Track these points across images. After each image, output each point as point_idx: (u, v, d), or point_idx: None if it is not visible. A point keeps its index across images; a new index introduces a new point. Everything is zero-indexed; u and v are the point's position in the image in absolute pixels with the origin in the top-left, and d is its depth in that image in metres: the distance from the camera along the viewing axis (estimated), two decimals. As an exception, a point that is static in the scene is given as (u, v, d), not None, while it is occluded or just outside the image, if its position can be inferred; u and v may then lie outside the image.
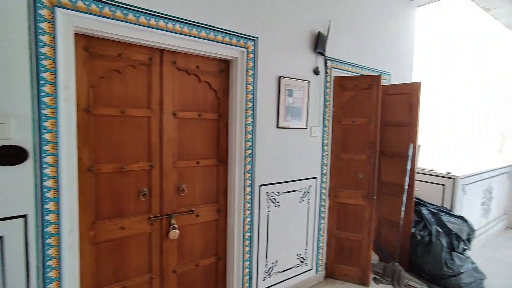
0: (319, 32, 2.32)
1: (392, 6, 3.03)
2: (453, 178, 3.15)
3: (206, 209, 2.03)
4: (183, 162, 1.89)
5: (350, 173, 2.66)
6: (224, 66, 2.01)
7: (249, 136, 2.03)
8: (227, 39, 1.87)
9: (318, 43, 2.30)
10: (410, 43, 3.31)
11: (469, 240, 2.81)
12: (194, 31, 1.73)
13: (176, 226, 1.84)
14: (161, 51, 1.73)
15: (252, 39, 1.98)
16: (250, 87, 2.00)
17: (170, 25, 1.63)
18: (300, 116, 2.32)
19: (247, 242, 2.12)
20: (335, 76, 2.58)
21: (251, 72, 1.99)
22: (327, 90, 2.54)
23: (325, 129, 2.57)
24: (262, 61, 2.05)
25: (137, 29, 1.54)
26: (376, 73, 2.91)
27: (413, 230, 2.88)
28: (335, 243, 2.72)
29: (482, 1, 3.27)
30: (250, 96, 2.00)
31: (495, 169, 3.92)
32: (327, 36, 2.37)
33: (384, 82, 3.01)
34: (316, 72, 2.38)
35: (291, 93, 2.22)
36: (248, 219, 2.11)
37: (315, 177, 2.55)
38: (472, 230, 2.86)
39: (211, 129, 2.01)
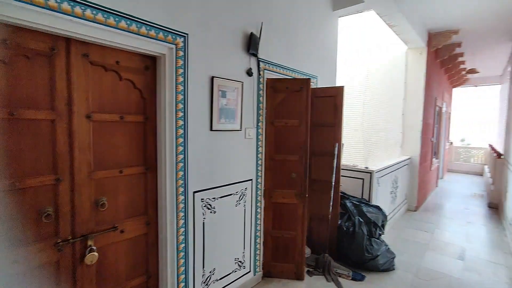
0: (251, 33, 2.30)
1: (317, 14, 3.23)
2: (370, 173, 3.56)
3: (133, 223, 1.79)
4: (102, 172, 1.62)
5: (284, 173, 2.73)
6: (150, 63, 1.80)
7: (181, 140, 1.88)
8: (152, 33, 1.67)
9: (251, 44, 2.28)
10: (334, 50, 3.61)
11: (383, 226, 3.21)
12: (112, 20, 1.49)
13: (94, 247, 1.56)
14: (67, 40, 1.44)
15: (181, 35, 1.83)
16: (181, 87, 1.84)
17: (78, 9, 1.36)
18: (234, 118, 2.26)
19: (182, 254, 1.97)
20: (268, 78, 2.61)
21: (181, 71, 1.84)
22: (260, 92, 2.55)
23: (259, 130, 2.58)
24: (193, 59, 1.92)
25: (29, 10, 1.23)
26: (305, 76, 3.07)
27: (339, 222, 3.14)
28: (271, 243, 2.77)
29: (387, 18, 3.77)
30: (181, 97, 1.85)
31: (399, 162, 4.61)
32: (259, 38, 2.37)
33: (312, 85, 3.19)
34: (249, 73, 2.36)
35: (224, 94, 2.14)
36: (182, 229, 1.96)
37: (251, 179, 2.53)
38: (385, 217, 3.27)
39: (136, 133, 1.78)
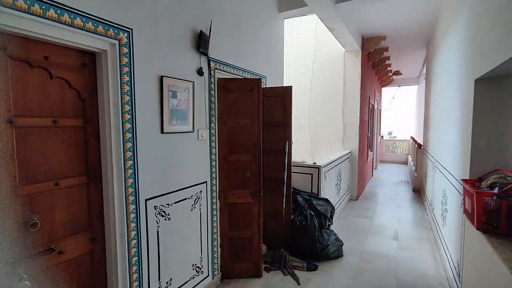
0: (201, 31, 2.23)
1: (264, 15, 3.29)
2: (317, 168, 3.78)
3: (75, 242, 1.59)
4: (32, 187, 1.39)
5: (238, 173, 2.72)
6: (89, 60, 1.61)
7: (129, 144, 1.72)
8: (90, 25, 1.49)
9: (201, 42, 2.21)
10: (280, 50, 3.72)
11: (331, 217, 3.44)
12: (37, 8, 1.28)
13: (25, 276, 1.34)
14: (-22, 30, 1.19)
15: (125, 30, 1.67)
16: (127, 87, 1.68)
17: (-6, -5, 1.14)
18: (186, 119, 2.17)
19: (135, 268, 1.81)
20: (219, 78, 2.57)
21: (126, 69, 1.68)
22: (212, 92, 2.49)
23: (212, 131, 2.52)
24: (140, 57, 1.77)
25: None
26: (255, 76, 3.10)
27: (292, 217, 3.27)
28: (228, 244, 2.74)
29: (327, 22, 4.03)
30: (128, 97, 1.69)
31: (342, 156, 5.00)
32: (209, 36, 2.31)
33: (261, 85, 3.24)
34: (200, 72, 2.28)
35: (175, 95, 2.03)
36: (135, 241, 1.80)
37: (205, 181, 2.46)
38: (333, 208, 3.52)
39: (75, 139, 1.57)
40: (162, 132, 1.95)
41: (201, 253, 2.44)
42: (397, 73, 7.55)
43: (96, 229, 1.70)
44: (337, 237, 3.34)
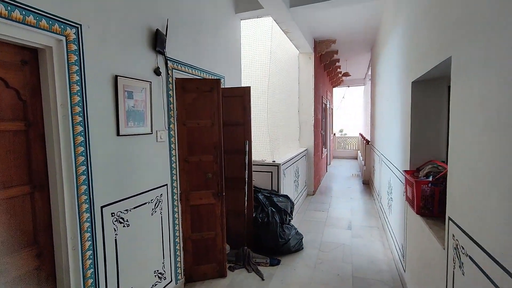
0: (157, 30, 2.15)
1: (222, 15, 3.29)
2: (277, 166, 3.90)
3: (17, 260, 1.43)
4: (-37, 200, 1.22)
5: (200, 175, 2.69)
6: (29, 56, 1.46)
7: (81, 149, 1.60)
8: (31, 19, 1.35)
9: (157, 41, 2.14)
10: (238, 50, 3.75)
11: (291, 212, 3.59)
12: (-33, -2, 1.13)
13: (-40, 301, 1.17)
14: None
15: (73, 26, 1.55)
16: (77, 87, 1.56)
17: None
18: (143, 120, 2.08)
19: (90, 281, 1.69)
20: (177, 78, 2.51)
21: (76, 67, 1.55)
22: (170, 92, 2.43)
23: (171, 132, 2.46)
24: (91, 55, 1.65)
25: None
26: (213, 76, 3.08)
27: (254, 215, 3.33)
28: (191, 246, 2.70)
29: (282, 25, 4.18)
30: (78, 98, 1.57)
31: (299, 154, 5.22)
32: (166, 35, 2.24)
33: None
34: (157, 72, 2.21)
35: (131, 95, 1.94)
36: (90, 252, 1.68)
37: (166, 184, 2.39)
38: (292, 204, 3.67)
39: (15, 144, 1.41)
40: (118, 134, 1.85)
41: (163, 258, 2.36)
42: (346, 74, 8.12)
43: (43, 243, 1.55)
44: (297, 231, 3.49)
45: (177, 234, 2.54)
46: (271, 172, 3.92)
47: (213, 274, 2.77)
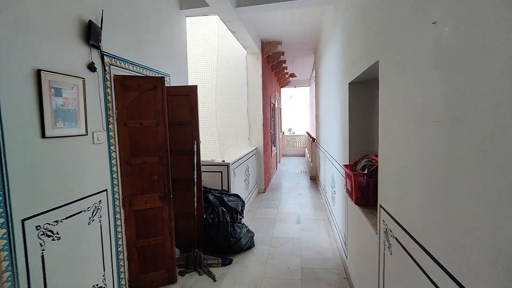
0: (90, 21, 1.96)
1: (165, 11, 3.15)
2: (226, 165, 3.89)
3: None
4: None
5: (145, 177, 2.55)
6: None
7: (-6, 154, 1.37)
8: None
9: (91, 34, 1.95)
10: (183, 47, 3.63)
11: (242, 210, 3.62)
12: None
13: None
14: None
15: (-21, 10, 1.32)
16: (-13, 82, 1.34)
17: None
18: (76, 121, 1.88)
19: (12, 306, 1.47)
20: (115, 75, 2.32)
21: (-16, 59, 1.33)
22: (108, 90, 2.24)
23: (111, 133, 2.27)
24: (5, 46, 1.43)
25: None
26: (157, 74, 2.94)
27: (205, 216, 3.28)
28: (137, 254, 2.53)
29: (229, 25, 4.18)
30: (-12, 95, 1.34)
31: (249, 153, 5.29)
32: (101, 28, 2.06)
33: (165, 83, 3.10)
34: (91, 68, 2.01)
35: (59, 93, 1.73)
36: (8, 274, 1.46)
37: (105, 190, 2.20)
38: (243, 203, 3.70)
39: None
40: (43, 136, 1.63)
41: (104, 271, 2.17)
42: (292, 75, 8.48)
43: None
44: (248, 229, 3.53)
45: (120, 242, 2.36)
46: (221, 172, 3.89)
47: (162, 281, 2.64)
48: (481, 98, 0.73)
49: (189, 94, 3.20)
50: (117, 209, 2.34)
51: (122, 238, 2.39)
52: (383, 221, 1.57)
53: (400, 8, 1.26)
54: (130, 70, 2.50)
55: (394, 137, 1.38)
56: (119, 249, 2.35)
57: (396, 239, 1.35)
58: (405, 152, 1.23)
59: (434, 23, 0.95)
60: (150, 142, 2.55)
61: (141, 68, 2.67)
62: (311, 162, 7.79)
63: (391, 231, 1.43)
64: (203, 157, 3.96)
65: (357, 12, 2.23)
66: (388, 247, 1.48)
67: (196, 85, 3.17)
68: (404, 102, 1.25)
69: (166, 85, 3.08)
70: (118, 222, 2.35)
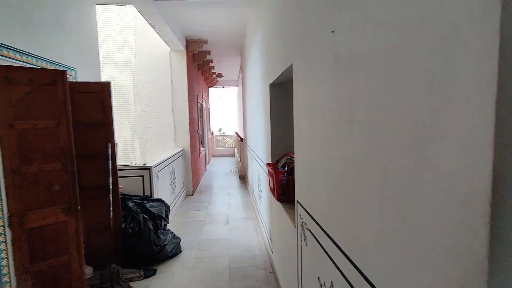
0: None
1: (66, -7, 2.72)
2: (148, 169, 3.61)
3: None
4: None
5: (42, 188, 2.14)
6: None
7: None
8: None
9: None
10: (94, 39, 3.21)
11: (167, 216, 3.41)
12: None
13: None
14: None
15: None
16: None
17: None
18: None
19: None
20: (-5, 64, 1.89)
21: None
22: (-16, 82, 1.80)
23: (-10, 137, 1.83)
24: None
25: None
26: (57, 67, 2.52)
27: (124, 225, 2.97)
28: (32, 282, 2.11)
29: (148, 18, 3.88)
30: None
31: (174, 154, 5.04)
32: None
33: (69, 78, 2.68)
34: (-45, 53, 1.58)
35: None
36: None
37: (-17, 207, 1.77)
38: (168, 207, 3.49)
39: None
40: None
41: (-16, 308, 1.74)
42: (219, 75, 8.46)
43: None
44: (174, 234, 3.35)
45: (4, 271, 1.93)
46: (142, 176, 3.60)
47: (69, 307, 2.28)
48: (367, 100, 0.82)
49: (100, 91, 2.85)
50: (1, 231, 1.91)
51: (8, 265, 1.96)
52: (300, 215, 1.68)
53: (309, 16, 1.36)
54: (17, 60, 2.07)
55: (305, 135, 1.49)
56: (4, 279, 1.92)
57: (310, 231, 1.46)
58: (314, 149, 1.34)
59: (333, 32, 1.05)
60: (49, 146, 2.16)
61: (34, 59, 2.24)
62: (240, 161, 7.92)
63: (306, 224, 1.54)
64: (122, 161, 3.59)
65: (274, 16, 2.34)
66: (304, 239, 1.58)
67: (109, 82, 2.85)
68: (312, 104, 1.35)
69: (71, 80, 2.68)
70: (2, 246, 1.92)
